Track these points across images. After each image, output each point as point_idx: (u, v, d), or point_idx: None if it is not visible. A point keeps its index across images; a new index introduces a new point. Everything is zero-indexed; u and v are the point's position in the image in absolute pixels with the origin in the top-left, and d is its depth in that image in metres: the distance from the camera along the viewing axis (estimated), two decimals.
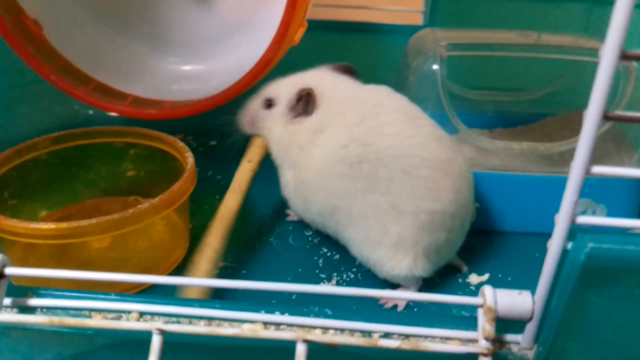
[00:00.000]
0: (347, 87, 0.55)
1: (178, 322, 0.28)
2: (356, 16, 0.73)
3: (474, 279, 0.53)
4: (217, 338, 0.27)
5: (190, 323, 0.28)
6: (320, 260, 0.55)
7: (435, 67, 0.59)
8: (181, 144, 0.55)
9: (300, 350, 0.26)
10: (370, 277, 0.53)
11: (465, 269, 0.54)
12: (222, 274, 0.52)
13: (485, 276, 0.54)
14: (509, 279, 0.54)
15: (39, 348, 0.31)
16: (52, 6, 0.67)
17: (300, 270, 0.53)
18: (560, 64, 0.71)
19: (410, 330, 0.27)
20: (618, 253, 0.24)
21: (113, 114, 0.70)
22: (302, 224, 0.59)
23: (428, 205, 0.46)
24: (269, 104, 0.56)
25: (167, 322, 0.27)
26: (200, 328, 0.27)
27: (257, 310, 0.28)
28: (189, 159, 0.53)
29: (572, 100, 0.68)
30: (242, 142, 0.61)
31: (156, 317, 0.28)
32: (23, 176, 0.53)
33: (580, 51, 0.60)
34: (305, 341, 0.26)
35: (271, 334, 0.26)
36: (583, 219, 0.24)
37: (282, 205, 0.62)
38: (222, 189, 0.58)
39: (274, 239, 0.58)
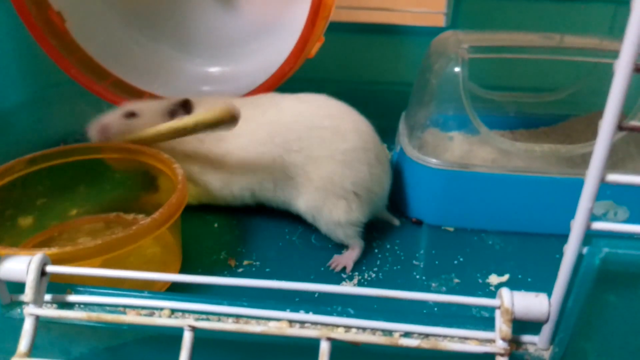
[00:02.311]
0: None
1: (207, 320, 0.29)
2: (379, 18, 0.74)
3: (494, 279, 0.54)
4: (245, 335, 0.28)
5: (219, 320, 0.29)
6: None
7: (457, 69, 0.59)
8: (165, 156, 0.54)
9: (324, 347, 0.27)
10: (391, 277, 0.54)
11: (396, 222, 0.61)
12: (247, 271, 0.54)
13: (505, 277, 0.54)
14: (529, 280, 0.54)
15: (76, 342, 0.32)
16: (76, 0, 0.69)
17: (322, 269, 0.55)
18: (583, 65, 0.71)
19: (430, 330, 0.28)
20: (633, 258, 0.25)
21: None
22: None
23: (338, 146, 0.56)
24: (131, 115, 0.59)
25: (197, 319, 0.28)
26: (229, 325, 0.28)
27: (283, 309, 0.30)
28: (178, 170, 0.51)
29: (594, 102, 0.68)
30: None
31: (187, 315, 0.29)
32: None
33: (604, 53, 0.61)
34: (329, 339, 0.27)
35: (296, 331, 0.28)
36: (598, 225, 0.25)
37: None
38: None
39: (297, 238, 0.59)
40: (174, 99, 0.60)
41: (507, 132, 0.71)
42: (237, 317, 0.29)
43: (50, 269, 0.29)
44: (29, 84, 0.70)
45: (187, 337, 0.27)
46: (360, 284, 0.53)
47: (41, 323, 0.29)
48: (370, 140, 0.58)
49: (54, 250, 0.38)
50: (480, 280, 0.54)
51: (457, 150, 0.65)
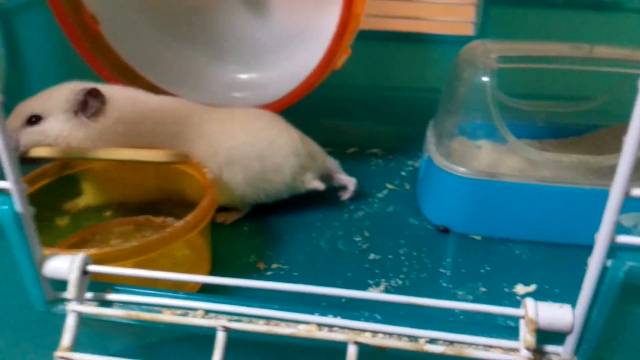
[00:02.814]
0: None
1: (239, 321, 0.30)
2: (407, 26, 0.75)
3: (520, 289, 0.54)
4: (275, 336, 0.29)
5: (250, 322, 0.30)
6: (369, 266, 0.57)
7: (485, 79, 0.60)
8: (195, 161, 0.56)
9: (352, 351, 0.28)
10: (417, 284, 0.54)
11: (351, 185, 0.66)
12: (276, 275, 0.55)
13: (532, 287, 0.54)
14: (556, 290, 0.54)
15: (113, 338, 0.34)
16: (111, 2, 0.71)
17: (349, 274, 0.55)
18: (614, 76, 0.70)
19: (455, 337, 0.29)
20: None
21: None
22: (352, 231, 0.62)
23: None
24: (34, 120, 0.54)
25: (230, 320, 0.29)
26: (260, 327, 0.29)
27: (312, 312, 0.31)
28: (208, 174, 0.54)
29: (624, 113, 0.67)
30: None
31: (220, 315, 0.30)
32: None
33: (635, 64, 0.60)
34: (356, 343, 0.28)
35: (325, 335, 0.29)
36: (623, 239, 0.26)
37: (333, 212, 0.65)
38: None
39: (324, 243, 0.60)
40: (77, 88, 0.55)
41: (535, 142, 0.71)
42: (268, 319, 0.30)
43: (91, 268, 0.31)
44: (68, 76, 0.71)
45: (220, 337, 0.28)
46: (386, 290, 0.54)
47: (81, 320, 0.31)
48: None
49: (93, 250, 0.40)
50: (506, 290, 0.54)
51: (485, 159, 0.65)
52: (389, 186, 0.70)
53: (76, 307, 0.30)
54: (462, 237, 0.61)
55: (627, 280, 0.26)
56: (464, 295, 0.53)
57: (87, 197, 0.58)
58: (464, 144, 0.67)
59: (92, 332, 0.32)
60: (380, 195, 0.69)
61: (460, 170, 0.60)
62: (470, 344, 0.28)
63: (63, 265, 0.31)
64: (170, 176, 0.58)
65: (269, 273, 0.55)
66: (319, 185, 0.63)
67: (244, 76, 0.76)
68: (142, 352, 0.33)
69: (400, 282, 0.55)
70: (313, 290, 0.30)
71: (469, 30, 0.74)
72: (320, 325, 0.30)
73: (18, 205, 0.29)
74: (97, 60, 0.67)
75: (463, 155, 0.66)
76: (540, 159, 0.60)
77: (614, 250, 0.26)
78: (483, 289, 0.54)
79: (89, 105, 0.55)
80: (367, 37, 0.76)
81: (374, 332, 0.30)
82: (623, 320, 0.27)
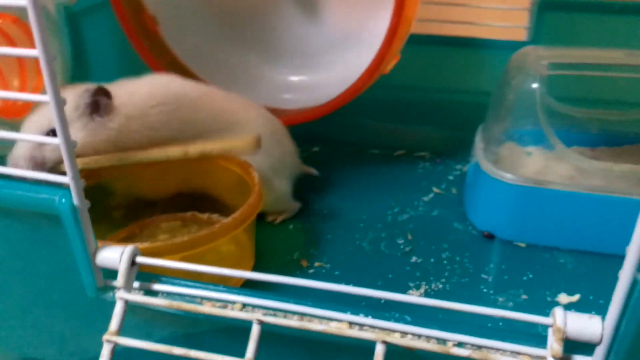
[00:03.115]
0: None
1: (275, 315, 0.32)
2: (460, 31, 0.74)
3: (563, 298, 0.54)
4: (307, 332, 0.31)
5: (285, 317, 0.32)
6: (410, 269, 0.57)
7: (534, 85, 0.59)
8: (243, 160, 0.57)
9: (380, 350, 0.29)
10: (458, 289, 0.54)
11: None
12: (317, 272, 0.57)
13: (576, 297, 0.54)
14: (601, 301, 0.53)
15: (157, 326, 0.36)
16: (171, 4, 0.74)
17: (390, 276, 0.56)
18: None
19: (482, 342, 0.29)
20: None
21: None
22: (395, 233, 0.62)
23: None
24: (52, 134, 0.51)
25: (265, 314, 0.31)
26: (293, 322, 0.31)
27: (344, 311, 0.32)
28: (254, 174, 0.55)
29: None
30: None
31: (256, 309, 0.32)
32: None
33: None
34: (384, 342, 0.29)
35: (355, 333, 0.30)
36: None
37: (376, 214, 0.65)
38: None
39: (367, 244, 0.61)
40: (80, 91, 0.53)
41: (587, 150, 0.70)
42: (302, 315, 0.32)
43: (139, 259, 0.33)
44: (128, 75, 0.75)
45: (255, 330, 0.30)
46: (426, 293, 0.55)
47: (128, 307, 0.33)
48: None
49: (145, 244, 0.43)
50: (549, 299, 0.54)
51: (534, 166, 0.65)
52: (436, 190, 0.71)
53: (124, 295, 0.32)
54: (507, 243, 0.61)
55: None
56: (505, 302, 0.53)
57: (131, 193, 0.61)
58: (514, 150, 0.67)
59: (138, 319, 0.35)
60: (426, 198, 0.69)
61: (508, 176, 0.60)
62: (497, 349, 0.28)
63: (114, 255, 0.33)
64: (200, 171, 0.60)
65: (311, 271, 0.57)
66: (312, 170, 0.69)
67: (295, 78, 0.78)
68: (183, 340, 0.35)
69: (440, 286, 0.55)
70: (345, 289, 0.31)
71: (522, 35, 0.73)
72: (351, 324, 0.31)
73: (75, 199, 0.31)
74: (154, 59, 0.70)
75: (512, 161, 0.65)
76: (589, 167, 0.59)
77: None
78: (524, 297, 0.54)
79: (100, 104, 0.54)
80: (420, 42, 0.77)
81: (404, 333, 0.30)
82: None
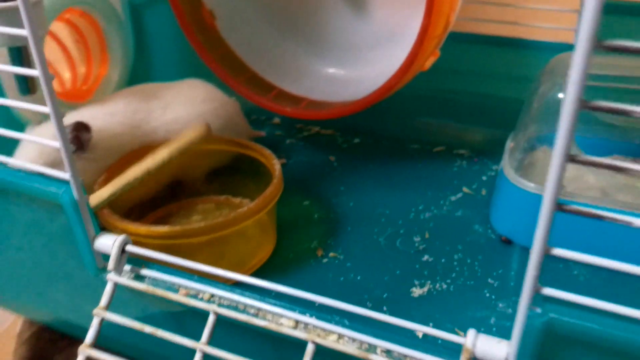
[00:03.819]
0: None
1: (230, 308, 0.36)
2: (507, 31, 0.74)
3: None
4: (254, 326, 0.35)
5: (244, 309, 0.36)
6: (419, 267, 0.59)
7: (560, 95, 0.58)
8: (268, 152, 0.62)
9: (309, 349, 0.32)
10: (461, 291, 0.56)
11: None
12: (330, 262, 0.60)
13: None
14: None
15: (145, 304, 0.42)
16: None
17: (398, 272, 0.59)
18: None
19: (407, 352, 0.32)
20: (576, 327, 0.26)
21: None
22: (413, 231, 0.64)
23: None
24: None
25: (220, 306, 0.35)
26: (242, 316, 0.35)
27: (294, 310, 0.36)
28: (276, 165, 0.60)
29: None
30: None
31: (216, 299, 0.36)
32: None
33: None
34: (314, 343, 0.32)
35: (289, 331, 0.33)
36: (547, 291, 0.27)
37: (400, 209, 0.68)
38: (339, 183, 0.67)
39: (383, 239, 0.64)
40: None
41: (629, 159, 0.67)
42: (258, 309, 0.36)
43: (129, 248, 0.39)
44: (184, 70, 0.81)
45: (211, 319, 0.35)
46: (429, 292, 0.57)
47: (120, 288, 0.39)
48: None
49: (177, 228, 0.50)
50: None
51: (568, 174, 0.64)
52: (465, 190, 0.71)
53: (113, 278, 0.38)
54: (523, 250, 0.61)
55: (548, 328, 0.27)
56: (504, 308, 0.54)
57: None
58: (548, 154, 0.66)
59: (131, 296, 0.40)
60: (453, 198, 0.70)
61: (530, 185, 0.60)
62: (412, 358, 0.31)
63: (108, 243, 0.39)
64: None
65: (325, 260, 0.61)
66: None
67: (339, 71, 0.80)
68: (166, 319, 0.41)
69: (445, 286, 0.57)
70: (291, 292, 0.35)
71: (570, 37, 0.71)
72: (297, 322, 0.35)
73: (75, 193, 0.37)
74: (207, 52, 0.76)
75: (544, 166, 0.65)
76: (612, 181, 0.57)
77: (545, 299, 0.28)
78: None
79: (81, 139, 0.57)
80: (466, 40, 0.77)
81: (341, 336, 0.34)
82: None
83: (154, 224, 0.62)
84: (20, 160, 0.55)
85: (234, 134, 0.70)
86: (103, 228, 0.52)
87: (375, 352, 0.33)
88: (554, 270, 0.59)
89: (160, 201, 0.68)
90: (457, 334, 0.51)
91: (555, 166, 0.25)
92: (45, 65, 0.33)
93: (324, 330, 0.34)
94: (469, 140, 0.80)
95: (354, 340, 0.33)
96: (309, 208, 0.69)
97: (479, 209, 0.68)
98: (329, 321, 0.35)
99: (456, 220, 0.66)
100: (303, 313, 0.36)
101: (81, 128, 0.56)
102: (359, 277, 0.58)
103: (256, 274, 0.59)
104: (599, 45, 0.22)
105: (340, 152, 0.80)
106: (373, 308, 0.54)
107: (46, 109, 0.35)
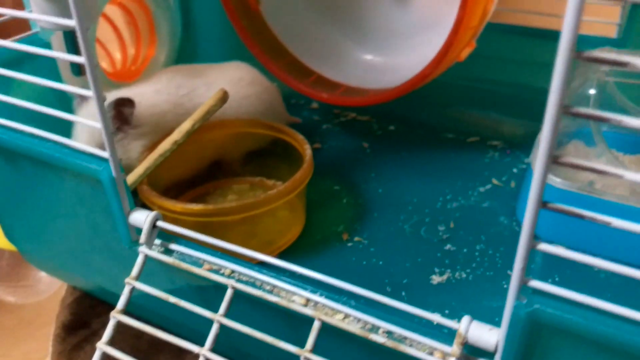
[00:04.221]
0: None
1: (247, 283, 0.39)
2: (547, 23, 0.73)
3: None
4: (268, 302, 0.38)
5: (260, 286, 0.39)
6: (441, 255, 0.61)
7: (591, 91, 0.59)
8: (301, 137, 0.65)
9: (316, 325, 0.35)
10: (479, 281, 0.57)
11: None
12: (354, 247, 0.63)
13: None
14: None
15: (174, 276, 0.45)
16: None
17: (419, 260, 0.61)
18: None
19: (406, 334, 0.34)
20: (559, 319, 0.28)
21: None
22: (439, 220, 0.66)
23: None
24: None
25: (238, 281, 0.38)
26: (256, 291, 0.38)
27: (305, 289, 0.38)
28: (307, 150, 0.62)
29: None
30: None
31: (236, 274, 0.39)
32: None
33: None
34: (320, 320, 0.35)
35: (298, 307, 0.36)
36: (534, 283, 0.29)
37: (428, 198, 0.69)
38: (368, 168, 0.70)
39: (408, 226, 0.65)
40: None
41: None
42: (273, 286, 0.39)
43: (159, 224, 0.42)
44: (229, 53, 0.84)
45: (229, 293, 0.38)
46: (448, 281, 0.58)
47: (149, 260, 0.42)
48: None
49: (210, 206, 0.54)
50: None
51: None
52: (495, 181, 0.72)
53: (144, 250, 0.42)
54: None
55: (534, 318, 0.29)
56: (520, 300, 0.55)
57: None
58: (580, 149, 0.66)
59: (162, 267, 0.44)
60: (482, 189, 0.71)
61: (557, 181, 0.60)
62: (411, 340, 0.33)
63: (141, 218, 0.42)
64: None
65: (350, 244, 0.63)
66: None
67: (378, 59, 0.82)
68: (193, 291, 0.44)
69: (464, 275, 0.59)
70: (305, 272, 0.37)
71: (612, 32, 0.70)
72: (308, 300, 0.38)
73: (113, 171, 0.41)
74: (250, 37, 0.78)
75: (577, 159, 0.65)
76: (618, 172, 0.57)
77: (534, 291, 0.30)
78: None
79: (124, 114, 0.59)
80: (504, 31, 0.77)
81: (347, 315, 0.36)
82: (534, 352, 0.30)
83: (191, 202, 0.67)
84: (76, 136, 0.60)
85: (273, 118, 0.73)
86: (143, 204, 0.57)
87: (376, 333, 0.35)
88: (575, 266, 0.59)
89: (199, 180, 0.71)
90: None
91: (539, 167, 0.27)
92: (90, 53, 0.37)
93: (332, 309, 0.36)
94: (503, 131, 0.81)
95: (358, 320, 0.36)
96: (338, 192, 0.71)
97: (506, 201, 0.69)
98: (337, 301, 0.37)
99: (482, 211, 0.67)
100: (314, 292, 0.38)
101: (123, 103, 0.59)
102: (381, 262, 0.60)
103: (284, 253, 0.62)
104: (578, 56, 0.24)
105: (375, 138, 0.82)
106: (392, 293, 0.57)
107: (89, 92, 0.38)
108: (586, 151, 0.66)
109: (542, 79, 0.81)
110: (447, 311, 0.55)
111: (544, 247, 0.29)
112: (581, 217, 0.27)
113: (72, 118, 0.41)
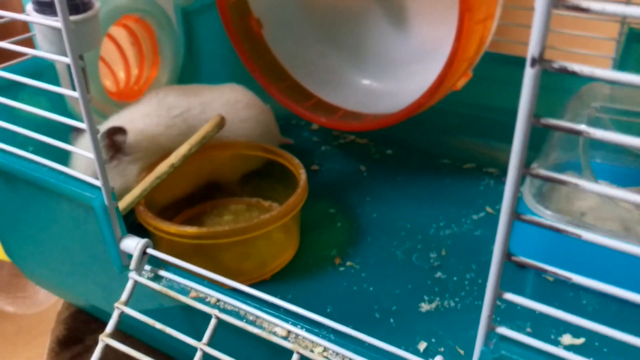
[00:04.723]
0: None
1: (231, 313, 0.40)
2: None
3: (566, 339, 0.55)
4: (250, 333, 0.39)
5: (244, 316, 0.40)
6: (431, 283, 0.62)
7: (582, 127, 0.59)
8: (297, 161, 0.66)
9: (294, 358, 0.36)
10: (468, 310, 0.58)
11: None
12: (346, 271, 0.63)
13: (580, 340, 0.55)
14: (605, 350, 0.54)
15: (163, 300, 0.46)
16: (275, 8, 0.82)
17: (409, 286, 0.61)
18: None
19: None
20: None
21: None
22: (431, 247, 0.67)
23: None
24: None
25: (222, 310, 0.39)
26: (238, 322, 0.39)
27: (287, 321, 0.39)
28: (302, 175, 0.64)
29: None
30: None
31: (221, 303, 0.41)
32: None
33: None
34: (299, 354, 0.36)
35: (278, 340, 0.37)
36: (501, 330, 0.30)
37: (421, 224, 0.70)
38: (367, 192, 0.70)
39: (400, 252, 0.66)
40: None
41: None
42: (257, 317, 0.40)
43: (149, 251, 0.43)
44: (232, 75, 0.85)
45: (212, 323, 0.39)
46: (436, 309, 0.59)
47: (139, 286, 0.44)
48: None
49: (204, 229, 0.55)
50: (552, 337, 0.56)
51: (592, 201, 0.65)
52: (489, 209, 0.73)
53: (134, 276, 0.43)
54: (536, 274, 0.63)
55: None
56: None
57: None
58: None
59: (151, 292, 0.45)
60: (475, 217, 0.72)
61: (547, 213, 0.61)
62: None
63: (132, 244, 0.43)
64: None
65: (342, 269, 0.64)
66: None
67: (377, 85, 0.83)
68: (181, 312, 0.45)
69: (453, 304, 0.59)
70: (282, 304, 0.38)
71: (607, 65, 0.71)
72: (289, 332, 0.39)
73: (105, 199, 0.42)
74: (251, 60, 0.80)
75: (569, 192, 0.66)
76: (628, 216, 0.58)
77: (500, 337, 0.31)
78: (529, 330, 0.56)
79: (117, 143, 0.61)
80: (499, 61, 0.78)
81: (326, 349, 0.37)
82: None
83: (186, 222, 0.68)
84: (74, 162, 0.61)
85: (267, 139, 0.74)
86: (139, 223, 0.58)
87: None
88: (564, 297, 0.60)
89: (196, 199, 0.73)
90: (457, 352, 0.55)
91: (511, 178, 0.27)
92: (84, 87, 0.38)
93: (311, 342, 0.37)
94: (499, 159, 0.81)
95: (337, 353, 0.37)
96: (333, 216, 0.72)
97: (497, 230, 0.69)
98: (317, 334, 0.38)
99: (474, 240, 0.68)
100: (295, 324, 0.39)
101: (115, 132, 0.60)
102: (371, 288, 0.61)
103: (278, 275, 0.63)
104: (548, 66, 0.24)
105: (372, 162, 0.83)
106: (381, 319, 0.58)
107: (83, 125, 0.39)
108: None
109: (539, 107, 0.82)
110: (433, 339, 0.55)
111: (509, 296, 0.30)
112: (554, 229, 0.27)
113: (67, 147, 0.42)
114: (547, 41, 0.73)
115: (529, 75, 0.25)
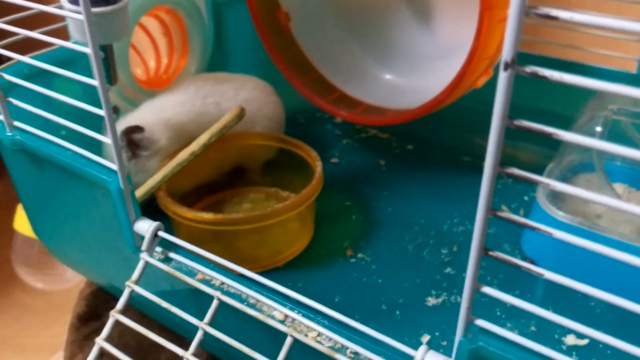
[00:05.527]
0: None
1: (232, 296, 0.42)
2: (566, 54, 0.74)
3: (570, 340, 0.55)
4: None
5: (243, 299, 0.42)
6: (440, 278, 0.63)
7: (598, 128, 0.59)
8: (314, 153, 0.68)
9: (288, 341, 0.38)
10: (474, 306, 0.58)
11: None
12: (357, 263, 0.65)
13: (584, 341, 0.55)
14: (608, 352, 0.54)
15: (174, 281, 0.48)
16: (303, 2, 0.83)
17: (418, 280, 0.62)
18: None
19: (366, 354, 0.37)
20: (499, 357, 0.30)
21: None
22: (443, 243, 0.68)
23: None
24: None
25: (225, 292, 0.41)
26: (238, 305, 0.41)
27: (285, 305, 0.41)
28: (318, 167, 0.65)
29: None
30: None
31: (225, 286, 0.43)
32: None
33: None
34: (292, 337, 0.38)
35: (273, 323, 0.39)
36: (478, 322, 0.31)
37: (435, 220, 0.71)
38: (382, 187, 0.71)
39: (412, 247, 0.67)
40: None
41: None
42: (257, 301, 0.42)
43: (160, 233, 0.46)
44: (259, 66, 0.87)
45: (214, 304, 0.41)
46: (442, 303, 0.60)
47: (149, 266, 0.46)
48: None
49: (219, 216, 0.57)
50: (556, 336, 0.56)
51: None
52: (504, 208, 0.73)
53: (145, 257, 0.45)
54: None
55: (477, 354, 0.31)
56: (511, 329, 0.56)
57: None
58: (592, 182, 0.67)
59: (159, 273, 0.47)
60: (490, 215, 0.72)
61: (560, 214, 0.61)
62: None
63: (144, 227, 0.46)
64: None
65: (352, 260, 0.66)
66: None
67: (400, 80, 0.84)
68: (189, 294, 0.48)
69: (459, 299, 0.60)
70: (285, 291, 0.40)
71: (632, 67, 0.70)
72: (286, 316, 0.41)
73: (121, 183, 0.45)
74: (278, 53, 0.82)
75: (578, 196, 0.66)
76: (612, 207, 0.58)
77: (479, 329, 0.32)
78: (533, 329, 0.57)
79: (135, 141, 0.63)
80: (525, 60, 0.78)
81: (320, 334, 0.39)
82: None
83: (206, 209, 0.70)
84: (105, 148, 0.64)
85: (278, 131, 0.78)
86: (159, 209, 0.61)
87: (344, 354, 0.37)
88: (572, 299, 0.60)
89: (218, 187, 0.75)
90: None
91: (486, 176, 0.29)
92: (103, 77, 0.40)
93: (306, 327, 0.39)
94: (521, 158, 0.81)
95: (330, 339, 0.38)
96: (349, 208, 0.74)
97: (511, 229, 0.69)
98: (312, 319, 0.40)
99: (487, 238, 0.67)
100: (292, 309, 0.41)
101: (132, 131, 0.62)
102: (380, 280, 0.63)
103: (291, 263, 0.65)
104: (521, 71, 0.25)
105: (392, 157, 0.84)
106: (387, 310, 0.59)
107: (101, 112, 0.42)
108: (599, 185, 0.66)
109: (563, 107, 0.82)
110: (437, 333, 0.56)
111: (487, 290, 0.31)
112: (532, 228, 0.28)
113: (89, 133, 0.45)
114: (573, 41, 0.73)
115: (503, 78, 0.26)
